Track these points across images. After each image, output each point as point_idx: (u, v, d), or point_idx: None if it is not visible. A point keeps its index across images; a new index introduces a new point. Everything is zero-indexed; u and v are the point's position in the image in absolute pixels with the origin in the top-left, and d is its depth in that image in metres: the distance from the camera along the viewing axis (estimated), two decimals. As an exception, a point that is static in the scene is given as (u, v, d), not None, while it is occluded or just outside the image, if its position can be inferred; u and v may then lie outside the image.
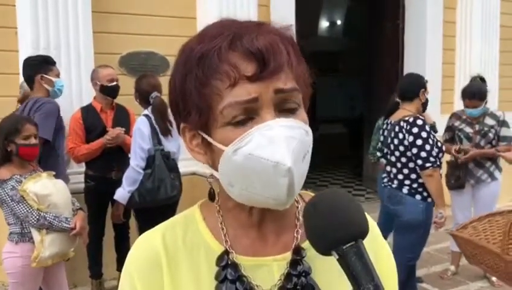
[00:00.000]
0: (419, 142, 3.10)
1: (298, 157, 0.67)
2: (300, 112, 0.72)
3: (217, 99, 0.68)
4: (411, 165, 3.19)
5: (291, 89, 0.69)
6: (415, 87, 3.36)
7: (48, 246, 2.71)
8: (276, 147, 0.65)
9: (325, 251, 0.64)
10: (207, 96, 0.68)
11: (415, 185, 3.21)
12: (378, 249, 0.81)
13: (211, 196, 0.80)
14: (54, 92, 3.48)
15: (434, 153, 3.09)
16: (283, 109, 0.69)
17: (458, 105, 5.71)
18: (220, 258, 0.74)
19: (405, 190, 3.24)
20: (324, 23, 11.50)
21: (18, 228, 2.72)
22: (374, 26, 6.98)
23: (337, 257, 0.62)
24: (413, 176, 3.20)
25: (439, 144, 3.21)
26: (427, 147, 3.09)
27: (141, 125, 3.33)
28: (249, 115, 0.67)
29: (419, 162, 3.11)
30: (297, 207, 0.79)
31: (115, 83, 3.78)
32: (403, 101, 3.37)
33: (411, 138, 3.13)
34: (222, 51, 0.67)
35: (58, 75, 3.52)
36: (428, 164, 3.09)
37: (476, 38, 6.42)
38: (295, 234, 0.77)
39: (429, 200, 3.22)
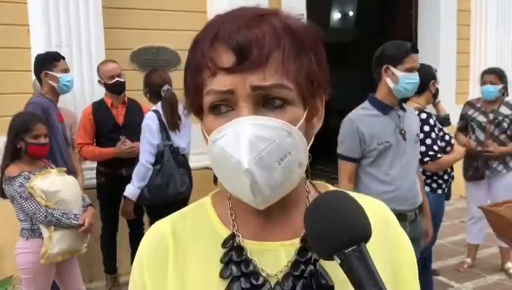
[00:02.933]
0: (420, 136, 3.03)
1: (266, 160, 0.65)
2: (289, 109, 0.68)
3: (202, 88, 0.70)
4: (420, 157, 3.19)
5: (271, 86, 0.66)
6: (424, 79, 3.27)
7: (57, 243, 2.73)
8: (240, 145, 0.65)
9: (326, 256, 0.62)
10: (195, 86, 0.71)
11: (423, 177, 3.18)
12: (395, 237, 0.80)
13: (215, 179, 0.80)
14: (60, 88, 3.47)
15: (436, 148, 3.06)
16: (266, 104, 0.67)
17: (473, 95, 5.63)
18: (226, 241, 0.75)
19: None
20: (336, 14, 11.40)
21: (28, 224, 2.76)
22: (387, 17, 6.90)
23: (339, 261, 0.60)
24: (421, 168, 3.16)
25: (446, 138, 3.17)
26: (428, 141, 3.07)
27: (150, 120, 3.33)
28: (228, 106, 0.68)
29: (419, 156, 3.08)
30: (308, 196, 0.79)
31: (115, 80, 3.73)
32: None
33: None
34: (206, 42, 0.69)
35: (65, 70, 3.50)
36: (426, 158, 3.07)
37: (491, 27, 6.31)
38: None
39: (439, 192, 3.20)
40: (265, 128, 0.65)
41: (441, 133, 3.14)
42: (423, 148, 3.07)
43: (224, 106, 0.68)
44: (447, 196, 3.39)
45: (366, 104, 2.52)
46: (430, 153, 3.05)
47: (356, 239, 0.60)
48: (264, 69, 0.66)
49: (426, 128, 3.08)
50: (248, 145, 0.64)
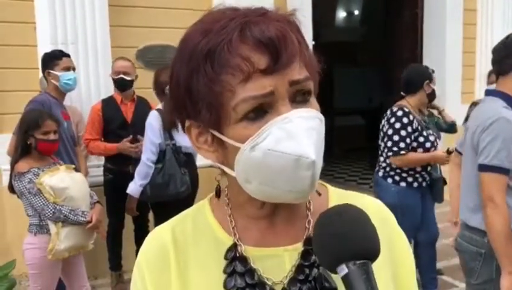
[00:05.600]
0: (390, 131, 3.19)
1: (318, 149, 0.65)
2: (313, 100, 0.70)
3: (228, 95, 0.64)
4: (386, 150, 3.31)
5: (305, 79, 0.67)
6: (418, 79, 3.32)
7: (64, 239, 2.76)
8: (298, 140, 0.63)
9: (333, 264, 0.61)
10: (218, 94, 0.65)
11: (388, 169, 3.30)
12: (392, 235, 0.80)
13: (218, 193, 0.79)
14: (62, 86, 3.50)
15: (402, 145, 3.14)
16: (297, 99, 0.67)
17: (479, 94, 5.61)
18: (228, 252, 0.73)
19: (380, 173, 3.36)
20: (341, 13, 11.38)
21: (36, 220, 2.79)
22: (392, 16, 6.87)
23: (346, 271, 0.59)
24: (388, 160, 3.28)
25: (420, 139, 3.19)
26: (395, 138, 3.16)
27: (152, 120, 3.35)
28: (263, 110, 0.65)
29: (385, 150, 3.24)
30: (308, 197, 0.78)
31: (119, 76, 3.78)
32: (407, 93, 3.35)
33: (386, 127, 3.23)
34: (232, 43, 0.64)
35: (66, 69, 3.52)
36: (389, 153, 3.19)
37: (497, 26, 6.28)
38: (306, 225, 0.75)
39: (402, 184, 3.27)
40: (308, 119, 0.65)
41: (416, 134, 3.17)
42: (389, 144, 3.18)
43: (259, 110, 0.65)
44: (437, 198, 3.43)
45: (501, 101, 2.08)
46: (394, 148, 3.16)
47: (370, 253, 0.60)
48: (296, 65, 0.66)
49: (397, 125, 3.16)
50: (308, 136, 0.64)
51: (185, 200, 3.21)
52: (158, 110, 3.40)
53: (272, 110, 0.65)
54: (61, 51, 3.62)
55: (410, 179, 3.27)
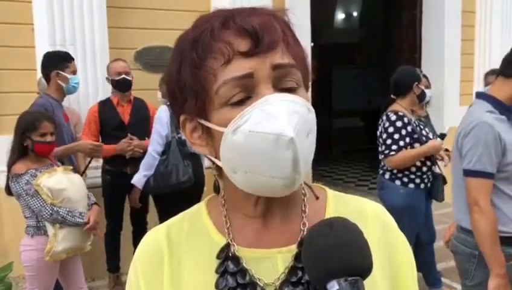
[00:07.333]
0: (384, 136, 3.21)
1: (301, 132, 0.64)
2: (301, 91, 0.70)
3: (211, 79, 0.66)
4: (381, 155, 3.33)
5: (289, 65, 0.68)
6: (408, 81, 3.34)
7: (61, 241, 2.76)
8: (277, 119, 0.63)
9: (326, 277, 0.59)
10: (202, 78, 0.67)
11: (395, 171, 3.29)
12: (392, 238, 0.79)
13: (216, 189, 0.79)
14: (68, 89, 3.51)
15: (394, 147, 3.14)
16: (282, 87, 0.67)
17: (478, 96, 5.60)
18: (221, 251, 0.73)
19: (387, 175, 3.35)
20: (340, 15, 11.38)
21: (34, 222, 2.78)
22: (391, 17, 6.89)
23: (336, 287, 0.57)
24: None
25: (422, 139, 3.21)
26: (388, 141, 3.18)
27: (161, 113, 3.50)
28: (246, 94, 0.66)
29: (380, 154, 3.27)
30: (304, 199, 0.77)
31: (121, 76, 3.78)
32: (397, 96, 3.36)
33: (382, 131, 3.25)
34: (215, 30, 0.67)
35: (74, 72, 3.54)
36: (381, 156, 3.24)
37: (496, 28, 6.29)
38: (301, 227, 0.74)
39: (410, 186, 3.26)
40: (291, 103, 0.65)
41: (416, 135, 3.18)
42: (383, 147, 3.20)
43: (241, 94, 0.66)
44: (437, 196, 3.41)
45: (487, 105, 2.07)
46: (386, 151, 3.18)
47: (360, 270, 0.59)
48: (279, 50, 0.67)
49: (390, 129, 3.17)
50: (287, 116, 0.63)
51: (188, 196, 3.24)
52: (168, 105, 3.45)
53: (254, 94, 0.66)
54: (68, 53, 3.62)
55: (417, 181, 3.28)
